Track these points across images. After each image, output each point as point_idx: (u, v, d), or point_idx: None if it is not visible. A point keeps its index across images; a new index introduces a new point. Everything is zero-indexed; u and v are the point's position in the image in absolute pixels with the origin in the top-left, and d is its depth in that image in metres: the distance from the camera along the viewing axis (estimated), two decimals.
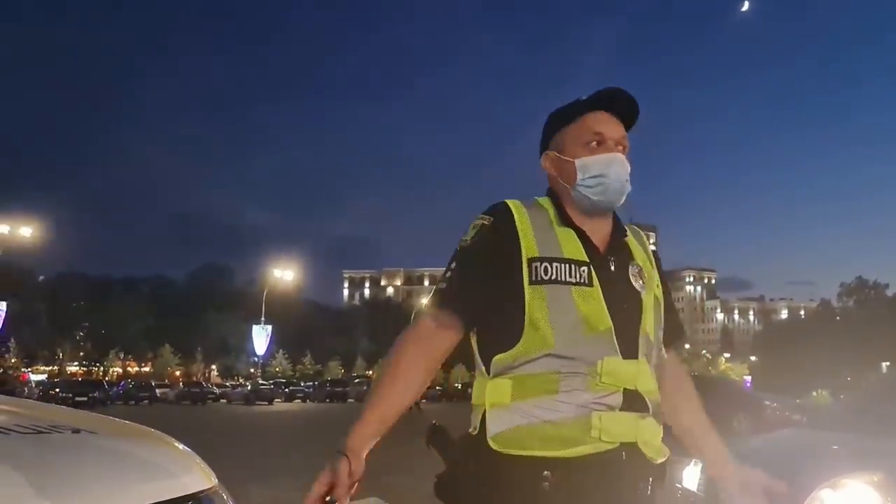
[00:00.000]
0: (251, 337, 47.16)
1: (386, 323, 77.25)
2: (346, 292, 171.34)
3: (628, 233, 1.59)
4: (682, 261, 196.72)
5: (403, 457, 11.37)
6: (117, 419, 2.28)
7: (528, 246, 1.43)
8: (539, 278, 1.40)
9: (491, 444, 1.36)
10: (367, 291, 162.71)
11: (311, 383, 56.35)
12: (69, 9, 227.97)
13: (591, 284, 1.42)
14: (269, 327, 45.72)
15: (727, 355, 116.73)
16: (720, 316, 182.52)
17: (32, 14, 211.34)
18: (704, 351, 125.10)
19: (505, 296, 1.41)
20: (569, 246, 1.45)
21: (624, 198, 1.54)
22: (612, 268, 1.48)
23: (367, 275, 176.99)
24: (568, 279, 1.40)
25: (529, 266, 1.41)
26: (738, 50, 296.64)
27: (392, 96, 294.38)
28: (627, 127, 1.57)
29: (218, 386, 53.18)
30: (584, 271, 1.43)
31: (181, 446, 2.31)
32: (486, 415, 1.39)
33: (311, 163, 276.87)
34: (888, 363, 53.19)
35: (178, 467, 2.01)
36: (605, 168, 1.50)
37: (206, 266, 77.06)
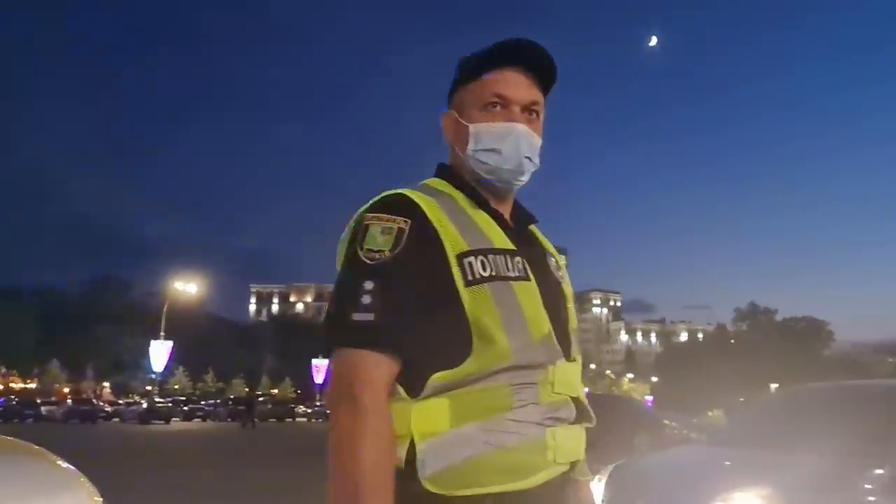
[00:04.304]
0: (149, 352, 45.07)
1: (294, 340, 75.70)
2: (253, 307, 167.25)
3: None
4: (590, 283, 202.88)
5: (293, 481, 11.03)
6: None
7: (453, 239, 1.15)
8: (477, 276, 1.13)
9: (428, 486, 1.07)
10: (275, 307, 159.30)
11: (212, 401, 54.68)
12: None
13: (528, 278, 1.18)
14: (170, 343, 43.83)
15: (631, 375, 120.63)
16: (624, 337, 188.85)
17: None
18: (609, 371, 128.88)
19: (438, 306, 1.12)
20: (492, 233, 1.20)
21: (525, 177, 1.28)
22: (535, 256, 1.26)
23: (276, 290, 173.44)
24: (507, 273, 1.15)
25: (460, 264, 1.13)
26: (648, 84, 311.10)
27: (300, 109, 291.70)
28: (545, 90, 1.30)
29: (111, 404, 50.82)
30: (518, 262, 1.18)
31: (64, 464, 2.14)
32: (417, 448, 1.08)
33: (219, 174, 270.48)
34: (776, 384, 56.46)
35: (58, 485, 1.86)
36: (500, 141, 1.23)
37: (101, 277, 73.48)
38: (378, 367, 1.09)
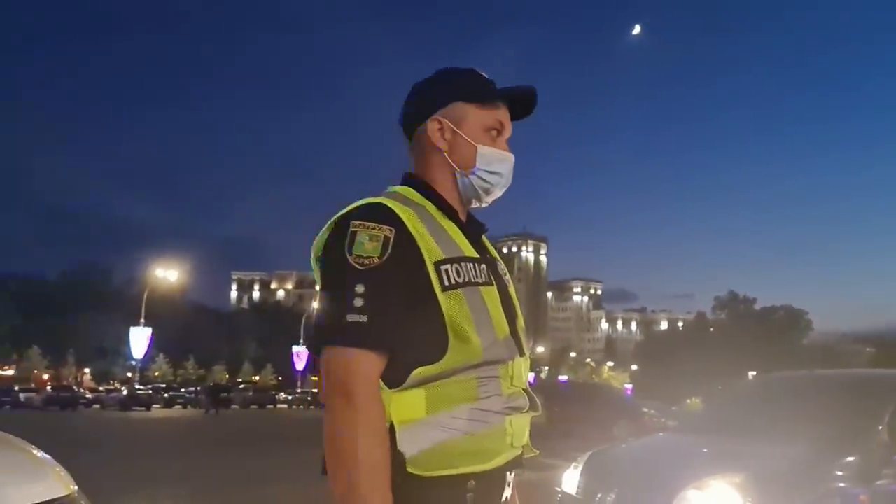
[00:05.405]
0: (129, 339, 44.66)
1: (275, 327, 75.33)
2: (234, 294, 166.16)
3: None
4: (571, 272, 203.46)
5: (280, 468, 11.10)
6: None
7: (430, 248, 1.27)
8: (452, 282, 1.26)
9: (410, 468, 1.19)
10: (256, 294, 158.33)
11: (193, 388, 54.47)
12: None
13: (491, 283, 1.33)
14: (149, 329, 43.44)
15: (611, 364, 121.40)
16: (605, 326, 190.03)
17: None
18: (589, 359, 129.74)
19: (419, 308, 1.24)
20: (461, 242, 1.33)
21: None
22: (489, 262, 1.39)
23: (258, 277, 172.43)
24: (476, 279, 1.29)
25: (437, 270, 1.26)
26: (631, 72, 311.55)
27: (284, 98, 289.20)
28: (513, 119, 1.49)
29: (91, 391, 50.54)
30: (483, 269, 1.33)
31: (38, 453, 2.14)
32: (397, 434, 1.20)
33: (201, 161, 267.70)
34: (754, 372, 57.03)
35: (29, 474, 1.85)
36: (504, 167, 1.42)
37: (81, 264, 72.61)
38: (370, 364, 1.20)
